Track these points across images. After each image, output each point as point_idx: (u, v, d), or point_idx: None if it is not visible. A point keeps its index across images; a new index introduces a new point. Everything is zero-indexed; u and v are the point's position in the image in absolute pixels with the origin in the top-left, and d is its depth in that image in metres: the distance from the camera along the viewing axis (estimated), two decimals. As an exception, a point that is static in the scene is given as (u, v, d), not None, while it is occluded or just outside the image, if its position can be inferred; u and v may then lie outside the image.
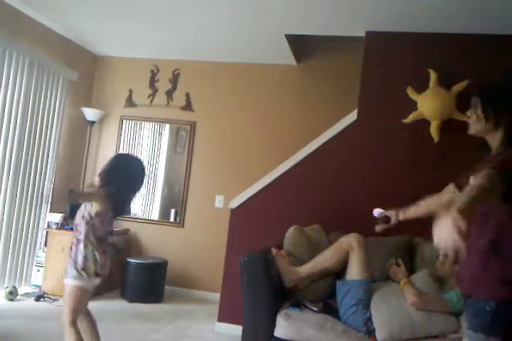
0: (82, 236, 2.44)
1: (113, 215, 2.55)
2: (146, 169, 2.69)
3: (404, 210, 2.14)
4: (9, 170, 3.99)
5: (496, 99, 1.67)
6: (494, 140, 1.67)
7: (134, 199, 2.64)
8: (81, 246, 2.43)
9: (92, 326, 2.57)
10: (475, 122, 1.69)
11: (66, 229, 4.29)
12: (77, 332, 2.43)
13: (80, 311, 2.45)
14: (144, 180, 2.64)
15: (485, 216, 1.58)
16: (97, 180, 2.55)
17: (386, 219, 2.22)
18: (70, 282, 2.40)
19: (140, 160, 2.74)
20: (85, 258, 2.41)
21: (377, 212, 2.30)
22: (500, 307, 1.50)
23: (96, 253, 2.43)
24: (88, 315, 2.59)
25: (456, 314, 2.53)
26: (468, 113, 1.71)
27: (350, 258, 2.84)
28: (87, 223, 2.44)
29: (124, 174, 2.52)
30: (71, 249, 2.47)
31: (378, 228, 2.25)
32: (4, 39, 3.79)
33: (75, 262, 2.41)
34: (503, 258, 1.55)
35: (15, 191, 4.07)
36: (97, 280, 2.48)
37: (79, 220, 2.48)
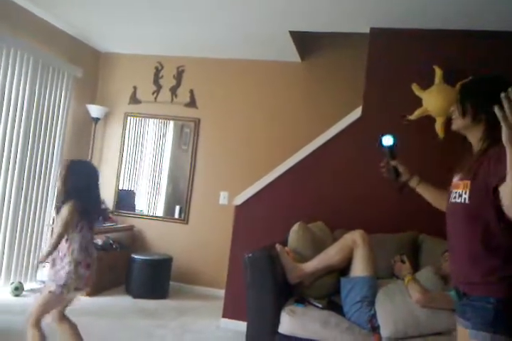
0: (65, 252, 2.43)
1: (87, 223, 2.53)
2: (96, 169, 2.71)
3: (420, 180, 2.02)
4: (15, 167, 4.01)
5: (473, 94, 1.62)
6: (473, 136, 1.63)
7: (99, 201, 2.66)
8: (65, 261, 2.41)
9: (73, 328, 2.55)
10: (456, 118, 1.65)
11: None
12: (41, 335, 2.41)
13: (45, 315, 2.45)
14: (98, 180, 2.65)
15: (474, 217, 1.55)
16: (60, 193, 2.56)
17: (394, 170, 2.06)
18: (50, 288, 2.41)
19: (89, 162, 2.77)
20: (68, 274, 2.40)
21: (386, 140, 2.03)
22: (502, 303, 1.47)
23: (79, 268, 2.43)
24: (66, 319, 2.57)
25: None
26: (452, 108, 1.67)
27: (354, 255, 2.84)
28: (66, 240, 2.44)
29: (78, 181, 2.52)
30: (54, 263, 2.44)
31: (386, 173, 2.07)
32: (8, 36, 3.80)
33: (59, 278, 2.40)
34: (493, 254, 1.51)
35: (20, 187, 4.09)
36: (77, 294, 2.49)
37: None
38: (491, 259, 1.51)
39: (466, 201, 1.56)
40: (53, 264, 2.46)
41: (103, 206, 4.85)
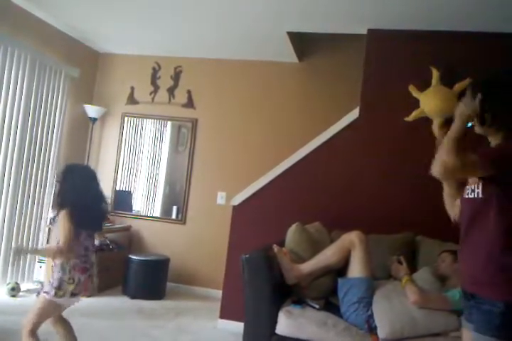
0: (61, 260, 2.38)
1: (86, 231, 2.46)
2: (95, 173, 2.55)
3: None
4: (11, 167, 4.01)
5: (492, 104, 1.60)
6: (494, 140, 1.67)
7: (100, 207, 2.51)
8: (59, 267, 2.36)
9: (68, 329, 2.52)
10: (476, 125, 1.66)
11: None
12: None
13: (41, 324, 2.39)
14: (98, 185, 2.52)
15: (484, 206, 1.57)
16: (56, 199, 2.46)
17: None
18: (46, 295, 2.34)
19: (88, 166, 2.59)
20: (61, 279, 2.34)
21: None
22: (509, 308, 1.44)
23: (74, 272, 2.36)
24: (62, 319, 2.53)
25: (457, 312, 2.54)
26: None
27: (351, 256, 2.84)
28: None
29: (75, 186, 2.40)
30: (53, 265, 2.39)
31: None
32: (6, 36, 3.79)
33: (52, 280, 2.35)
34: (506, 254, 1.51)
35: (17, 187, 4.08)
36: (75, 300, 2.42)
37: (54, 242, 2.41)
38: (506, 257, 1.50)
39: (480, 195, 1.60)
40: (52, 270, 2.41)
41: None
